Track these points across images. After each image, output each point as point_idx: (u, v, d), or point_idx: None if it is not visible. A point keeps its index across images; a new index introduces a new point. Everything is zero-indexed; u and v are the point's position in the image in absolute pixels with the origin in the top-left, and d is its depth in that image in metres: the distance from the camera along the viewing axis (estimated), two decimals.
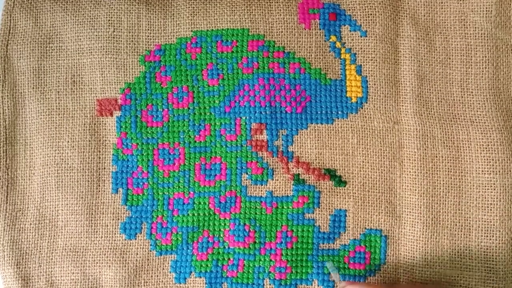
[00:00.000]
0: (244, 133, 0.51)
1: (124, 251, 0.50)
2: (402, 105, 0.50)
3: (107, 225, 0.51)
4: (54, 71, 0.52)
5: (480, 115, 0.49)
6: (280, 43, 0.51)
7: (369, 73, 0.50)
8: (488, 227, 0.47)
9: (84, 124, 0.51)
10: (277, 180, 0.50)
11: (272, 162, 0.50)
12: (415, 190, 0.48)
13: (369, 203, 0.49)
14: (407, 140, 0.49)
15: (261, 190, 0.50)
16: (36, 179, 0.51)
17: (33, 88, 0.52)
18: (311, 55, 0.51)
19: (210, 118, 0.51)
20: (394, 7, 0.51)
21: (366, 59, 0.50)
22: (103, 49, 0.52)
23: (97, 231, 0.50)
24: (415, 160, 0.49)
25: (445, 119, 0.49)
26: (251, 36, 0.51)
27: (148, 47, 0.52)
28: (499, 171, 0.47)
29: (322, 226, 0.50)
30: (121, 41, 0.52)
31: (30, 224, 0.51)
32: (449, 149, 0.49)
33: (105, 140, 0.51)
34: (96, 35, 0.52)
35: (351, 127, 0.50)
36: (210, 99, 0.51)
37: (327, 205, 0.50)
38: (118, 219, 0.51)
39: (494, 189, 0.47)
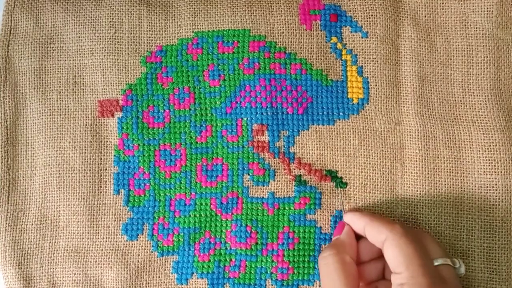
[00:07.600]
0: (246, 134, 0.51)
1: (125, 252, 0.50)
2: (404, 106, 0.50)
3: (109, 226, 0.50)
4: (55, 72, 0.52)
5: (482, 115, 0.49)
6: (282, 44, 0.51)
7: (370, 74, 0.50)
8: (490, 228, 0.47)
9: (86, 125, 0.51)
10: (279, 181, 0.50)
11: (274, 163, 0.50)
12: (417, 191, 0.48)
13: (370, 204, 0.49)
14: (409, 141, 0.49)
15: (263, 191, 0.50)
16: (38, 179, 0.51)
17: (35, 88, 0.52)
18: (313, 56, 0.51)
19: (211, 119, 0.51)
20: (395, 8, 0.51)
21: (367, 60, 0.50)
22: (105, 50, 0.52)
23: (98, 232, 0.50)
24: (416, 161, 0.49)
25: (447, 120, 0.49)
26: (252, 37, 0.51)
27: (149, 48, 0.52)
28: (501, 172, 0.47)
29: (324, 227, 0.49)
30: (123, 42, 0.52)
31: (32, 224, 0.50)
32: (451, 149, 0.49)
33: (107, 141, 0.51)
34: (98, 36, 0.52)
35: (353, 128, 0.50)
36: (211, 100, 0.51)
37: (328, 206, 0.50)
38: (120, 220, 0.50)
39: (496, 190, 0.47)
